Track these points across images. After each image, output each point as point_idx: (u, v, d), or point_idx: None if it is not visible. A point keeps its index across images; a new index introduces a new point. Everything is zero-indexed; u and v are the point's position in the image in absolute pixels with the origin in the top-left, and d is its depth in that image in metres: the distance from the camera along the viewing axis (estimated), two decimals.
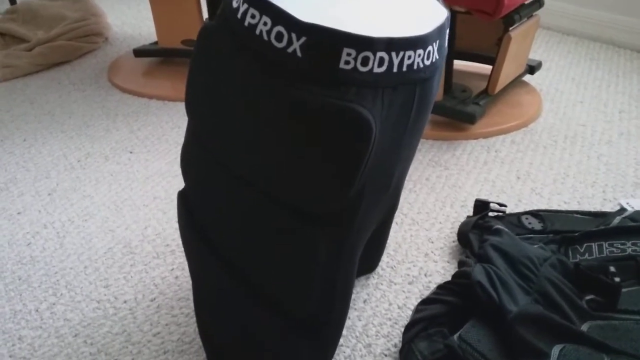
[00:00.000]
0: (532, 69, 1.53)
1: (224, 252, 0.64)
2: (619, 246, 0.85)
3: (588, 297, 0.77)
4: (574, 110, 1.44)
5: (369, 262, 0.90)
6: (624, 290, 0.78)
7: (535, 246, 0.88)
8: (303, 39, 0.52)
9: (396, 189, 0.75)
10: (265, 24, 0.52)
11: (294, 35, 0.52)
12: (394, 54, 0.54)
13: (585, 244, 0.86)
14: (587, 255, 0.85)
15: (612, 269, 0.79)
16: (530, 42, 1.41)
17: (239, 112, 0.56)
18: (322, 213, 0.60)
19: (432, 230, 1.01)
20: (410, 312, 0.83)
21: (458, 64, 1.63)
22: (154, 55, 1.71)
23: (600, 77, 1.64)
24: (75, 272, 0.94)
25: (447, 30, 0.62)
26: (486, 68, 1.57)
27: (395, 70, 0.55)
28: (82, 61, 1.84)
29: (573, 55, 1.80)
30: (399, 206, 1.07)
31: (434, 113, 1.34)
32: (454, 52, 1.44)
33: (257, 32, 0.53)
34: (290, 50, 0.52)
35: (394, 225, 1.02)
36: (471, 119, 1.27)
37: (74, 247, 1.00)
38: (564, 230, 0.95)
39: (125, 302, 0.87)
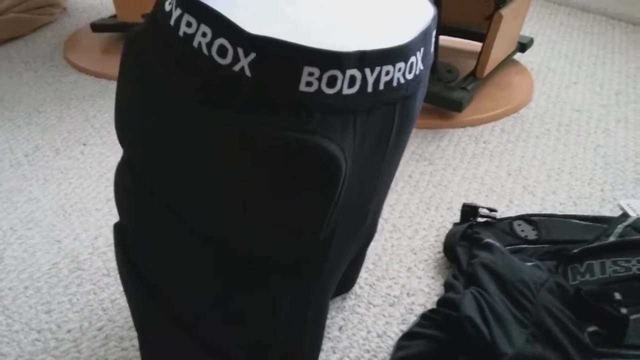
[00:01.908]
0: (523, 46, 1.42)
1: (166, 301, 0.53)
2: (623, 264, 0.76)
3: (591, 329, 0.68)
4: (567, 93, 1.34)
5: (346, 281, 0.80)
6: (631, 317, 0.69)
7: (530, 264, 0.78)
8: (252, 55, 0.40)
9: (374, 219, 0.64)
10: (204, 34, 0.41)
11: (240, 51, 0.40)
12: (367, 71, 0.42)
13: (586, 263, 0.77)
14: (588, 276, 0.76)
15: (617, 295, 0.70)
16: (522, 19, 1.30)
17: (175, 143, 0.45)
18: (283, 263, 0.49)
19: (416, 238, 0.91)
20: (390, 342, 0.74)
21: (444, 40, 1.50)
22: (113, 30, 1.56)
23: (595, 54, 1.53)
24: (15, 294, 0.83)
25: (434, 33, 0.51)
26: (474, 45, 1.45)
27: (369, 90, 0.43)
28: (36, 35, 1.68)
29: (565, 29, 1.69)
30: None
31: None
32: (440, 27, 1.32)
33: (195, 44, 0.41)
34: (236, 68, 0.41)
35: None
36: (458, 107, 1.17)
37: (14, 263, 0.88)
38: (560, 240, 0.86)
39: (69, 331, 0.77)
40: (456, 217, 0.95)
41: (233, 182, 0.44)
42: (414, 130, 1.19)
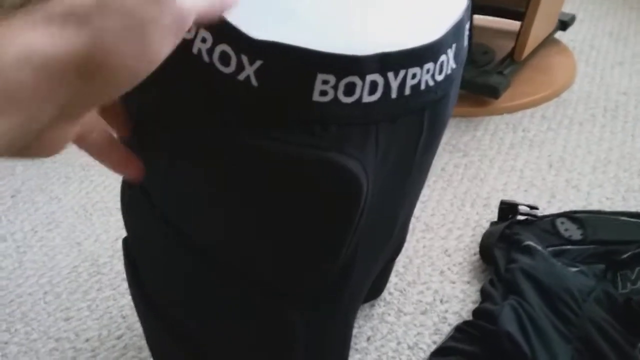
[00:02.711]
0: (564, 24, 1.33)
1: (173, 324, 0.50)
2: None
3: None
4: (612, 74, 1.25)
5: (374, 287, 0.75)
6: None
7: (575, 269, 0.72)
8: (258, 63, 0.35)
9: (402, 230, 0.59)
10: (204, 40, 0.36)
11: (244, 58, 0.35)
12: (390, 75, 0.37)
13: (638, 269, 0.71)
14: (639, 283, 0.69)
15: None
16: None
17: (177, 159, 0.41)
18: (301, 290, 0.45)
19: (449, 238, 0.86)
20: (422, 355, 0.69)
21: (478, 19, 1.42)
22: None
23: None
24: (34, 300, 0.81)
25: (468, 25, 0.45)
26: (511, 24, 1.36)
27: (394, 96, 0.38)
28: None
29: (609, 3, 1.58)
30: None
31: None
32: (474, 6, 1.24)
33: (195, 50, 0.36)
34: (241, 77, 0.36)
35: None
36: (494, 93, 1.09)
37: (34, 267, 0.86)
38: (608, 240, 0.79)
39: (87, 340, 0.74)
40: (493, 214, 0.89)
41: (241, 203, 0.40)
42: None
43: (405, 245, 0.84)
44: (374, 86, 0.36)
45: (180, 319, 0.49)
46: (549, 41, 1.31)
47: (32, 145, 0.27)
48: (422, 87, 0.39)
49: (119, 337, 0.74)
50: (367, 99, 0.37)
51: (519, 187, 0.95)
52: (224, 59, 0.35)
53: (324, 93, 0.35)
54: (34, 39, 0.22)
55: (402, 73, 0.37)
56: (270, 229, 0.40)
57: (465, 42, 0.45)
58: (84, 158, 1.10)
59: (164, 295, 0.49)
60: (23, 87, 0.22)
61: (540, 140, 1.06)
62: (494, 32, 1.36)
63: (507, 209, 0.85)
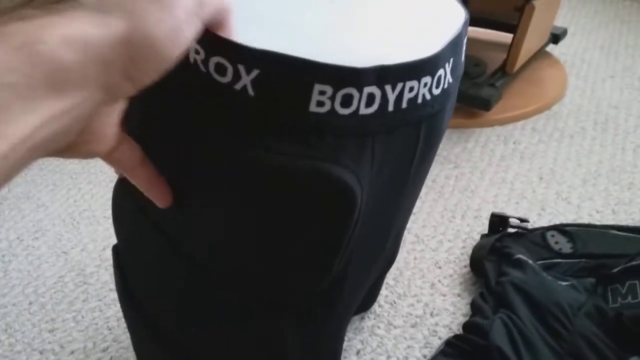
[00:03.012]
0: (555, 37, 1.34)
1: (163, 333, 0.49)
2: None
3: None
4: (603, 88, 1.26)
5: (365, 299, 0.74)
6: None
7: (566, 284, 0.72)
8: (255, 72, 0.34)
9: (395, 242, 0.58)
10: (197, 52, 0.35)
11: (241, 68, 0.35)
12: (388, 88, 0.36)
13: (628, 283, 0.70)
14: (630, 298, 0.69)
15: None
16: (556, 9, 1.22)
17: (173, 167, 0.40)
18: (294, 301, 0.44)
19: (440, 250, 0.85)
20: None
21: (470, 30, 1.43)
22: None
23: (632, 44, 1.44)
24: (18, 311, 0.79)
25: (465, 40, 0.45)
26: (503, 36, 1.37)
27: (390, 109, 0.37)
28: None
29: (601, 17, 1.59)
30: None
31: None
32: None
33: (191, 59, 0.36)
34: (238, 87, 0.35)
35: None
36: (486, 105, 1.10)
37: (19, 276, 0.85)
38: (598, 254, 0.79)
39: (72, 352, 0.73)
40: (484, 226, 0.89)
41: (237, 213, 0.39)
42: None
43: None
44: (371, 98, 0.36)
45: (172, 328, 0.48)
46: (540, 54, 1.32)
47: (85, 137, 0.30)
48: (419, 100, 0.39)
49: (104, 350, 0.73)
50: (364, 111, 0.36)
51: (510, 200, 0.95)
52: (220, 69, 0.35)
53: (320, 104, 0.35)
54: (75, 26, 0.24)
55: (399, 86, 0.37)
56: (265, 238, 0.40)
57: (463, 57, 0.44)
58: (72, 165, 1.09)
59: (154, 303, 0.48)
60: (73, 68, 0.23)
61: (531, 152, 1.06)
62: (485, 44, 1.37)
63: (498, 222, 0.85)
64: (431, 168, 1.02)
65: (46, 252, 0.89)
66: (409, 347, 0.71)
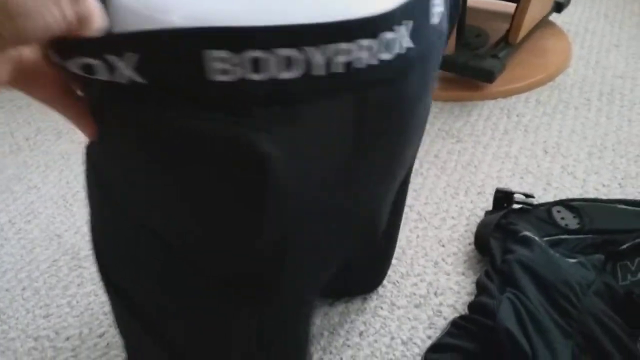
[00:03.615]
0: (559, 6, 1.29)
1: (138, 309, 0.48)
2: None
3: None
4: (608, 57, 1.22)
5: (369, 279, 0.73)
6: None
7: (574, 261, 0.70)
8: (134, 57, 0.31)
9: (373, 220, 0.54)
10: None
11: (113, 59, 0.31)
12: (311, 50, 0.33)
13: (637, 259, 0.68)
14: None
15: None
16: None
17: (117, 141, 0.38)
18: (228, 275, 0.42)
19: (443, 228, 0.83)
20: (416, 350, 0.67)
21: (471, 1, 1.39)
22: None
23: (638, 12, 1.40)
24: (12, 296, 0.77)
25: (439, 1, 0.41)
26: (505, 5, 1.33)
27: (320, 72, 0.34)
28: None
29: None
30: None
31: (443, 70, 1.13)
32: None
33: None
34: (123, 80, 0.32)
35: None
36: (489, 77, 1.06)
37: (12, 260, 0.83)
38: (606, 229, 0.77)
39: (67, 339, 0.71)
40: (488, 202, 0.87)
41: (164, 183, 0.38)
42: (439, 104, 1.10)
43: (399, 235, 0.82)
44: (289, 62, 0.33)
45: (146, 307, 0.47)
46: (543, 23, 1.28)
47: None
48: (360, 65, 0.35)
49: (100, 335, 0.71)
50: (283, 75, 0.33)
51: (514, 174, 0.92)
52: (88, 69, 0.32)
53: (225, 72, 0.32)
54: None
55: (327, 49, 0.33)
56: (190, 206, 0.38)
57: (435, 20, 0.40)
58: (64, 146, 1.06)
59: (120, 275, 0.47)
60: None
61: (535, 125, 1.03)
62: (486, 14, 1.33)
63: (502, 198, 0.82)
64: (433, 142, 0.99)
65: (39, 235, 0.87)
66: (412, 327, 0.69)
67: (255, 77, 0.32)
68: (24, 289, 0.78)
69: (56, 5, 0.27)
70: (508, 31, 1.14)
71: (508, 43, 1.13)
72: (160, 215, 0.40)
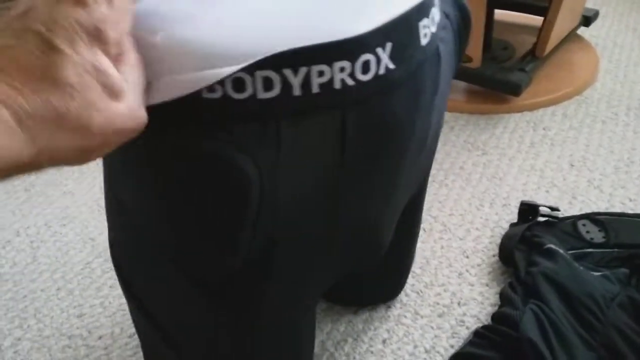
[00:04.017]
0: (587, 20, 1.30)
1: (147, 311, 0.52)
2: None
3: None
4: (636, 72, 1.22)
5: (390, 287, 0.74)
6: None
7: (598, 274, 0.70)
8: None
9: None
10: None
11: None
12: (288, 72, 0.35)
13: None
14: None
15: None
16: None
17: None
18: (214, 279, 0.45)
19: (468, 239, 0.84)
20: (440, 359, 0.67)
21: (499, 14, 1.39)
22: None
23: None
24: (47, 296, 0.80)
25: (429, 22, 0.41)
26: (532, 19, 1.33)
27: (297, 93, 0.36)
28: None
29: None
30: (428, 207, 0.90)
31: (470, 82, 1.14)
32: (494, 0, 1.21)
33: None
34: None
35: (421, 232, 0.84)
36: (515, 90, 1.07)
37: (47, 262, 0.86)
38: (631, 243, 0.77)
39: (100, 337, 0.74)
40: (513, 214, 0.87)
41: (159, 196, 0.41)
42: (465, 116, 1.11)
43: (422, 244, 0.83)
44: (269, 83, 0.35)
45: (155, 309, 0.51)
46: (571, 37, 1.28)
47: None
48: (337, 86, 0.37)
49: (131, 335, 0.74)
50: (262, 95, 0.35)
51: (540, 187, 0.92)
52: None
53: (212, 90, 0.35)
54: None
55: (302, 70, 0.35)
56: (178, 211, 0.41)
57: (424, 41, 0.41)
58: None
59: (136, 280, 0.51)
60: None
61: (562, 139, 1.03)
62: (513, 27, 1.34)
63: (528, 210, 0.83)
64: (459, 154, 1.00)
65: (73, 238, 0.90)
66: (435, 336, 0.70)
67: (237, 95, 0.35)
68: (58, 289, 0.81)
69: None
70: (535, 44, 1.14)
71: (535, 56, 1.14)
72: (154, 222, 0.44)
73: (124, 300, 0.78)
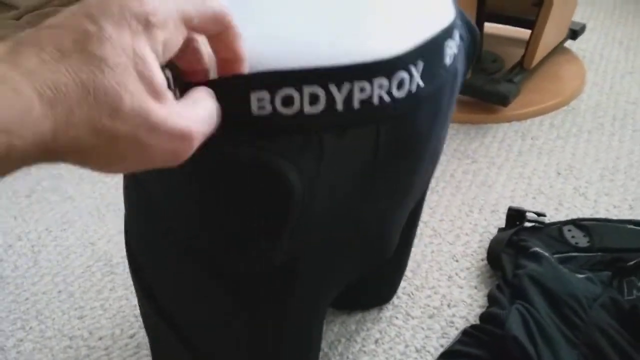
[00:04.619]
0: (574, 33, 1.34)
1: (159, 304, 0.53)
2: None
3: None
4: (622, 84, 1.26)
5: (385, 291, 0.76)
6: None
7: (582, 276, 0.73)
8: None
9: (383, 243, 0.58)
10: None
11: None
12: (333, 87, 0.38)
13: None
14: None
15: None
16: (574, 4, 1.22)
17: None
18: (243, 278, 0.47)
19: (457, 244, 0.87)
20: (429, 358, 0.70)
21: (488, 27, 1.43)
22: None
23: None
24: (48, 299, 0.82)
25: (452, 43, 0.45)
26: (520, 32, 1.37)
27: (340, 108, 0.39)
28: None
29: (620, 13, 1.58)
30: None
31: (460, 93, 1.16)
32: (484, 14, 1.25)
33: None
34: None
35: None
36: (504, 101, 1.10)
37: (49, 265, 0.88)
38: (615, 248, 0.80)
39: (100, 338, 0.76)
40: (501, 220, 0.90)
41: (202, 196, 0.43)
42: (455, 125, 1.14)
43: (414, 250, 0.85)
44: (314, 98, 0.37)
45: (164, 299, 0.52)
46: (558, 50, 1.32)
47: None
48: (375, 102, 0.39)
49: (131, 336, 0.76)
50: (308, 109, 0.38)
51: (527, 194, 0.96)
52: None
53: (262, 108, 0.37)
54: None
55: (346, 86, 0.38)
56: (219, 220, 0.43)
57: (448, 61, 0.44)
58: None
59: (155, 279, 0.52)
60: None
61: (549, 148, 1.06)
62: (502, 40, 1.37)
63: (515, 216, 0.86)
64: (449, 163, 1.03)
65: (74, 242, 0.92)
66: (426, 337, 0.73)
67: (285, 111, 0.37)
68: (59, 292, 0.83)
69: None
70: (523, 57, 1.18)
71: (523, 68, 1.17)
72: (189, 221, 0.45)
73: (123, 302, 0.80)
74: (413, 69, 0.40)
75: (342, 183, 0.44)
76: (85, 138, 0.25)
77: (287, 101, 0.37)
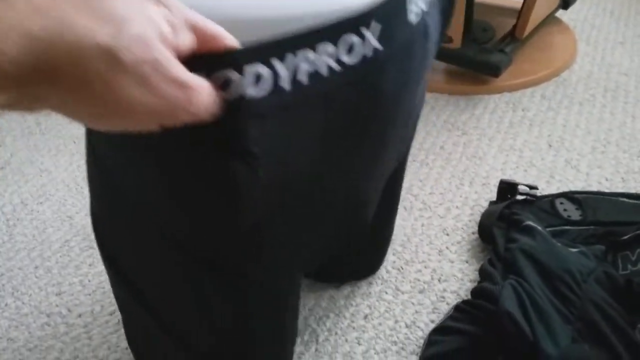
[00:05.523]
0: (565, 3, 1.30)
1: (131, 284, 0.51)
2: None
3: None
4: (613, 54, 1.24)
5: (370, 260, 0.74)
6: None
7: (575, 250, 0.71)
8: None
9: (359, 207, 0.55)
10: None
11: None
12: (277, 63, 0.33)
13: (638, 250, 0.70)
14: None
15: None
16: None
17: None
18: (209, 256, 0.45)
19: (448, 217, 0.85)
20: (420, 333, 0.68)
21: None
22: None
23: None
24: (24, 274, 0.79)
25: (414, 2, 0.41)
26: (511, 1, 1.34)
27: (287, 87, 0.35)
28: None
29: None
30: (409, 186, 0.90)
31: (450, 63, 1.14)
32: None
33: None
34: None
35: (402, 211, 0.85)
36: (495, 71, 1.08)
37: (24, 240, 0.85)
38: (607, 221, 0.79)
39: (79, 315, 0.73)
40: (492, 193, 0.88)
41: (160, 181, 0.40)
42: (445, 96, 1.11)
43: (403, 222, 0.84)
44: (257, 78, 0.33)
45: (136, 279, 0.50)
46: (550, 19, 1.29)
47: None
48: (323, 72, 0.36)
49: (111, 313, 0.73)
50: (251, 92, 0.33)
51: (518, 167, 0.94)
52: None
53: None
54: None
55: (290, 58, 0.34)
56: (176, 201, 0.41)
57: (412, 19, 0.41)
58: (75, 130, 1.08)
59: (116, 250, 0.51)
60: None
61: (540, 120, 1.04)
62: (494, 9, 1.34)
63: (507, 189, 0.84)
64: (439, 134, 1.01)
65: (51, 216, 0.89)
66: (416, 312, 0.71)
67: (227, 96, 0.33)
68: (36, 267, 0.80)
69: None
70: (515, 26, 1.15)
71: (515, 38, 1.14)
72: (151, 205, 0.43)
73: (103, 278, 0.77)
74: (365, 31, 0.37)
75: (295, 158, 0.40)
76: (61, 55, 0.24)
77: (227, 84, 0.32)
